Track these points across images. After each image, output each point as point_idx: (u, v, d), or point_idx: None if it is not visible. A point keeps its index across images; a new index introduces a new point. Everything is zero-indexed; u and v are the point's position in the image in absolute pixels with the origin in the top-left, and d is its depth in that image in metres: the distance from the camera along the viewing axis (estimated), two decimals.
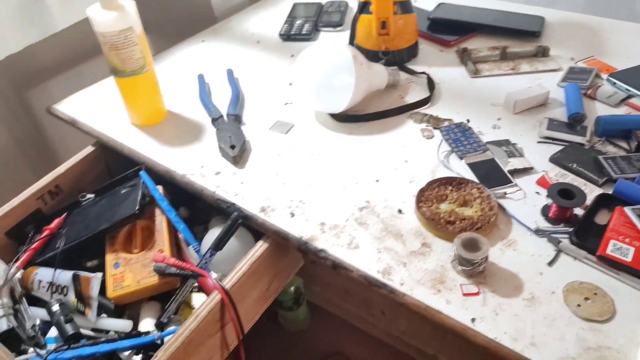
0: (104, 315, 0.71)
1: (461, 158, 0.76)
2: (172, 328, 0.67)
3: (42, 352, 0.64)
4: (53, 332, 0.69)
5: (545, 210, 0.67)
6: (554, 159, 0.74)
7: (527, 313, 0.56)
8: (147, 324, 0.70)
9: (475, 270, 0.60)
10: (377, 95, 0.92)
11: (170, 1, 1.23)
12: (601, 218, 0.65)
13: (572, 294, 0.58)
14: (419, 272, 0.62)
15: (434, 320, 0.58)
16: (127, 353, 0.65)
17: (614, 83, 0.87)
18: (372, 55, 0.95)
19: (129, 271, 0.72)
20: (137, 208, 0.75)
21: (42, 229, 0.80)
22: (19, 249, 0.79)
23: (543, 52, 0.97)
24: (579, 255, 0.61)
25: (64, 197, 0.86)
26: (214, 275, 0.68)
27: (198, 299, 0.72)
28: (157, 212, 0.78)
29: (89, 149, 0.90)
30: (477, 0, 1.14)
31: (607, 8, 1.20)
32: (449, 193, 0.70)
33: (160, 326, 0.68)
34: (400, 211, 0.69)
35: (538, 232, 0.64)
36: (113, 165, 0.92)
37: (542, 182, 0.71)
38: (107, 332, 0.69)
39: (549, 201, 0.67)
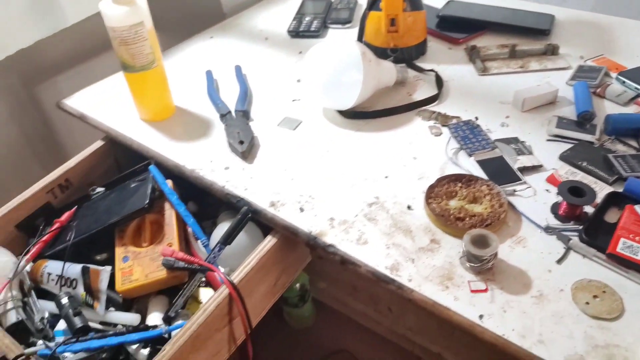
0: (112, 308, 0.71)
1: (470, 155, 0.76)
2: (179, 322, 0.67)
3: (51, 344, 0.64)
4: (61, 325, 0.69)
5: (555, 208, 0.67)
6: (564, 157, 0.74)
7: (535, 310, 0.56)
8: (154, 318, 0.70)
9: (484, 267, 0.60)
10: (385, 92, 0.92)
11: None
12: (611, 216, 0.65)
13: (581, 292, 0.57)
14: (427, 269, 0.62)
15: (442, 316, 0.58)
16: (135, 346, 0.66)
17: (624, 82, 0.87)
18: (380, 53, 0.95)
19: (137, 265, 0.72)
20: (146, 202, 0.75)
21: (52, 222, 0.80)
22: (28, 242, 0.79)
23: (552, 51, 0.96)
24: (589, 253, 0.61)
25: (74, 190, 0.87)
26: (222, 269, 0.68)
27: (205, 294, 0.72)
28: (167, 206, 0.78)
29: (99, 143, 0.91)
30: None
31: (616, 7, 1.19)
32: (458, 190, 0.70)
33: (167, 320, 0.68)
34: (409, 207, 0.69)
35: (548, 229, 0.64)
36: (122, 160, 0.93)
37: (552, 179, 0.71)
38: (115, 325, 0.70)
39: (559, 199, 0.67)
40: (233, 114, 0.89)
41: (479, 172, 0.73)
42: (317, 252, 0.69)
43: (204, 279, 0.72)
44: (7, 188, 0.89)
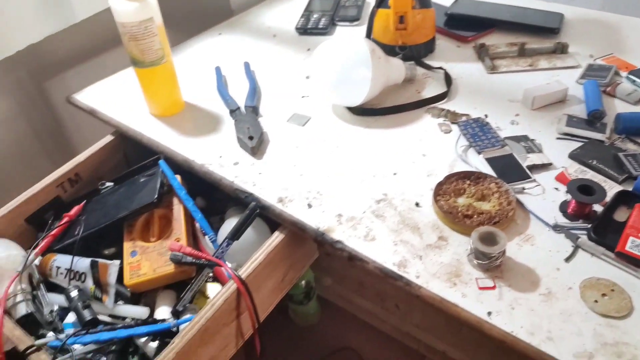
0: (120, 302, 0.72)
1: (479, 153, 0.76)
2: (188, 316, 0.67)
3: (62, 335, 0.65)
4: (70, 317, 0.70)
5: (563, 206, 0.67)
6: (574, 155, 0.74)
7: (544, 308, 0.56)
8: (162, 312, 0.70)
9: (492, 264, 0.60)
10: (394, 90, 0.92)
11: None
12: (620, 215, 0.64)
13: (589, 290, 0.57)
14: (435, 266, 0.62)
15: (450, 313, 0.58)
16: (143, 339, 0.66)
17: (634, 81, 0.86)
18: (389, 50, 0.95)
19: (145, 259, 0.73)
20: (155, 196, 0.75)
21: (61, 216, 0.81)
22: (38, 236, 0.80)
23: (562, 49, 0.96)
24: (597, 252, 0.61)
25: (83, 185, 0.87)
26: (229, 265, 0.69)
27: (213, 289, 0.73)
28: (175, 201, 0.78)
29: (108, 138, 0.91)
30: None
31: (626, 5, 1.19)
32: (467, 187, 0.70)
33: (176, 314, 0.69)
34: (417, 204, 0.69)
35: (556, 227, 0.64)
36: (131, 155, 0.93)
37: (561, 178, 0.71)
38: (124, 318, 0.70)
39: (568, 197, 0.67)
40: (242, 109, 0.89)
41: (487, 169, 0.73)
42: (324, 248, 0.69)
43: (211, 274, 0.73)
44: (16, 182, 0.90)
